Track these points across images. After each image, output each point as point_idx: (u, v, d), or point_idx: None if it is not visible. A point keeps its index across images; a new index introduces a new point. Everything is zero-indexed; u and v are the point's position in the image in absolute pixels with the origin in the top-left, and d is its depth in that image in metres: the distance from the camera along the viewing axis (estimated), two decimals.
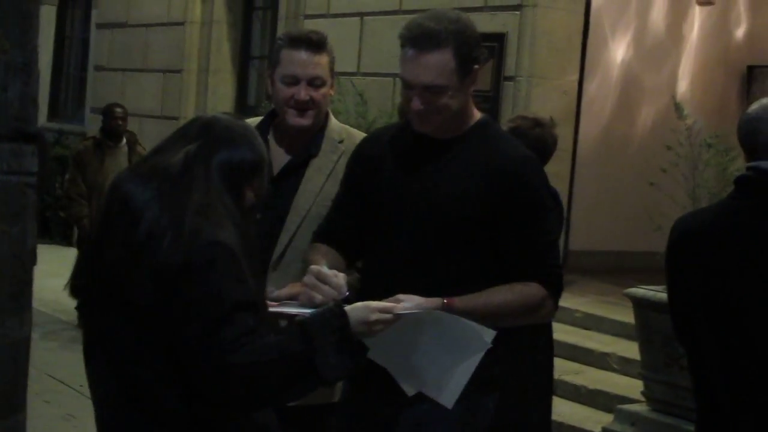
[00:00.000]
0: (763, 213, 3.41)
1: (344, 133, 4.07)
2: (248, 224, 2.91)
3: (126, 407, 2.81)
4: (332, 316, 2.85)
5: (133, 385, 2.78)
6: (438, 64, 3.40)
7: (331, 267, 3.42)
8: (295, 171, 3.95)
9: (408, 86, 3.47)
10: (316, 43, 3.96)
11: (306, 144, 3.99)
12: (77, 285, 2.90)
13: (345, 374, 2.89)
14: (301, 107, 3.92)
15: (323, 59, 3.97)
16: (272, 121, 4.01)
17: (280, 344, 2.75)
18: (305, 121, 3.94)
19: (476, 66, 3.50)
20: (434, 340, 3.20)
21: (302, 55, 3.93)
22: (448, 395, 3.29)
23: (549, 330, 5.74)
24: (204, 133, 2.90)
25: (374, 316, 2.96)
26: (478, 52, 3.52)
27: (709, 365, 3.53)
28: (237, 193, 2.89)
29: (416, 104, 3.44)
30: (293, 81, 3.92)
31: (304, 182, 3.93)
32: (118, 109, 10.50)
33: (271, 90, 4.05)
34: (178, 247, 2.69)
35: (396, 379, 3.32)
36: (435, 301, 3.30)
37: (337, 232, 3.70)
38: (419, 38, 3.41)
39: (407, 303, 3.23)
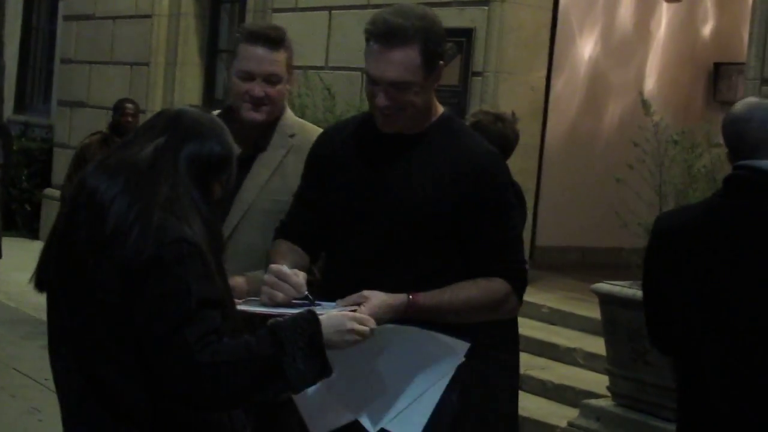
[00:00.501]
0: (759, 212, 3.42)
1: (297, 128, 4.07)
2: (215, 219, 2.90)
3: (90, 402, 2.78)
4: (304, 323, 2.83)
5: (98, 380, 2.76)
6: (404, 60, 3.38)
7: (293, 263, 3.43)
8: (243, 165, 3.89)
9: (373, 82, 3.44)
10: (273, 40, 3.96)
11: (256, 138, 3.99)
12: (42, 279, 2.87)
13: (313, 382, 2.87)
14: (256, 102, 3.92)
15: (280, 56, 3.96)
16: (228, 115, 3.98)
17: (249, 346, 2.73)
18: (259, 116, 3.94)
19: (441, 62, 3.48)
20: (404, 358, 3.19)
21: (259, 51, 3.93)
22: (412, 426, 3.27)
23: (514, 326, 5.75)
24: (172, 126, 2.87)
25: (349, 325, 2.97)
26: (444, 48, 3.50)
27: (692, 361, 3.54)
28: (205, 187, 2.86)
29: (381, 100, 3.42)
30: (249, 77, 3.92)
31: (249, 177, 3.93)
32: (129, 105, 9.95)
33: (229, 83, 4.06)
34: (144, 242, 2.66)
35: (356, 415, 3.29)
36: (400, 297, 3.30)
37: (299, 228, 3.68)
38: (385, 34, 3.39)
39: (373, 300, 3.24)
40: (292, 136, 4.01)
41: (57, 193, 14.59)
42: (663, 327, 3.65)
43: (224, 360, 2.67)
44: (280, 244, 3.66)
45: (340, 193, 3.58)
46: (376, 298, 3.26)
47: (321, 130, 4.05)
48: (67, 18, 15.47)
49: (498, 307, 3.51)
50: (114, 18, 14.38)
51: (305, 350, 2.79)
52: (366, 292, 3.27)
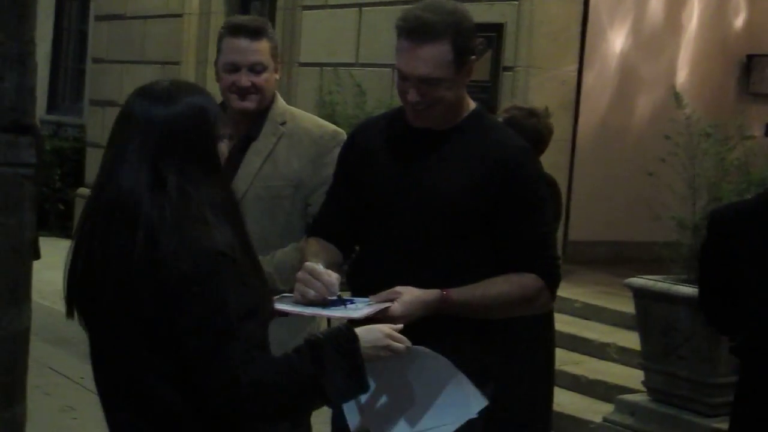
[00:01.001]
0: None
1: (288, 116, 4.17)
2: (237, 212, 2.82)
3: (133, 412, 2.75)
4: (344, 341, 2.80)
5: (141, 390, 2.72)
6: (435, 56, 3.37)
7: (327, 261, 3.44)
8: (237, 156, 4.02)
9: (404, 78, 3.44)
10: (254, 30, 4.09)
11: (248, 128, 4.09)
12: (71, 307, 2.84)
13: (351, 397, 2.87)
14: (243, 92, 4.04)
15: (263, 45, 4.08)
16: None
17: (290, 363, 2.70)
18: (248, 105, 4.05)
19: (472, 57, 3.48)
20: (427, 385, 3.16)
21: (241, 42, 4.06)
22: None
23: (551, 321, 5.74)
24: (142, 128, 2.84)
25: (385, 342, 2.93)
26: (475, 44, 3.49)
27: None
28: (211, 156, 2.80)
29: (412, 96, 3.42)
30: (234, 68, 4.06)
31: (243, 165, 4.01)
32: None
33: (217, 79, 4.17)
34: (178, 257, 2.61)
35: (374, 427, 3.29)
36: (433, 293, 3.30)
37: (331, 225, 3.69)
38: (416, 30, 3.38)
39: (406, 296, 3.23)
40: (282, 123, 4.12)
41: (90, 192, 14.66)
42: (720, 309, 3.78)
43: (266, 379, 2.63)
44: (312, 243, 3.66)
45: (371, 188, 3.58)
46: (409, 293, 3.25)
47: (314, 117, 4.23)
48: (98, 18, 15.53)
49: (530, 302, 3.50)
50: (145, 17, 14.42)
51: (345, 369, 2.76)
52: (399, 288, 3.26)
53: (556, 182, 6.01)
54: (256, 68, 4.05)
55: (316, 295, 3.21)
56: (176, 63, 13.72)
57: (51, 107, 16.88)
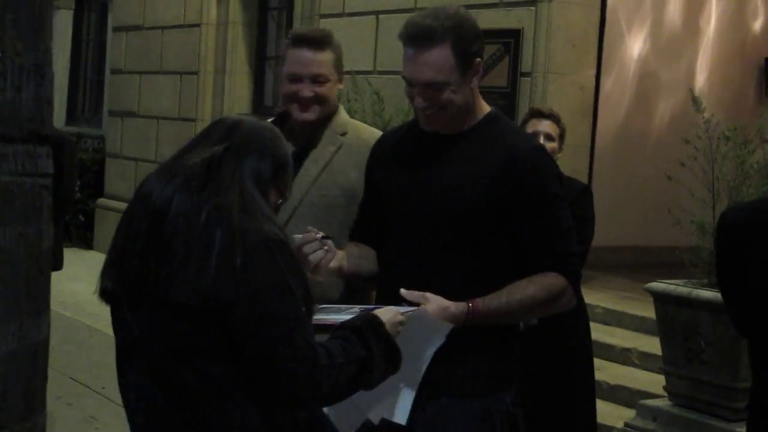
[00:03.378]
0: None
1: (349, 127, 4.18)
2: (281, 225, 2.89)
3: (167, 412, 2.75)
4: (378, 325, 2.91)
5: (178, 389, 2.73)
6: (436, 61, 3.41)
7: (358, 259, 3.62)
8: (295, 163, 4.01)
9: (410, 84, 3.48)
10: (318, 41, 4.09)
11: (308, 137, 4.09)
12: (105, 289, 2.82)
13: (384, 379, 2.93)
14: (305, 103, 4.04)
15: (326, 56, 4.09)
16: (283, 120, 4.06)
17: (345, 348, 2.78)
18: (310, 116, 4.05)
19: (477, 60, 3.50)
20: (413, 341, 3.17)
21: (305, 53, 4.07)
22: (401, 412, 3.27)
23: (587, 326, 5.71)
24: (230, 135, 2.87)
25: (399, 318, 3.05)
26: (478, 46, 3.51)
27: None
28: (264, 195, 2.86)
29: (419, 102, 3.47)
30: (297, 78, 4.06)
31: (300, 173, 4.00)
32: None
33: (280, 88, 4.19)
34: (232, 250, 2.64)
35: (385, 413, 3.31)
36: (461, 306, 3.32)
37: (364, 230, 3.78)
38: (416, 36, 3.43)
39: (432, 305, 3.25)
40: (343, 134, 4.13)
41: (110, 203, 14.71)
42: (746, 314, 3.69)
43: (339, 362, 2.72)
44: (350, 245, 3.77)
45: (387, 195, 3.63)
46: (437, 303, 3.28)
47: (375, 130, 4.23)
48: (116, 29, 15.59)
49: (555, 301, 3.50)
50: (162, 28, 14.46)
51: (386, 351, 2.88)
52: (428, 295, 3.30)
53: (589, 188, 6.00)
54: (318, 79, 4.06)
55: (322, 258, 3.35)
56: (194, 73, 13.75)
57: (70, 118, 16.94)
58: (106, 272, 2.82)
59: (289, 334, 2.64)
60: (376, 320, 2.93)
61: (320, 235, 3.44)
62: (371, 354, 2.82)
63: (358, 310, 3.19)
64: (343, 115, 4.21)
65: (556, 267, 3.45)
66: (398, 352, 2.93)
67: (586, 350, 5.71)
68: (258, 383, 2.70)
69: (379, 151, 3.78)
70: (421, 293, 3.29)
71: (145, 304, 2.73)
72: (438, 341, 3.25)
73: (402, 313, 3.11)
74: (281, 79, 4.16)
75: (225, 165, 2.79)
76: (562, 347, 5.33)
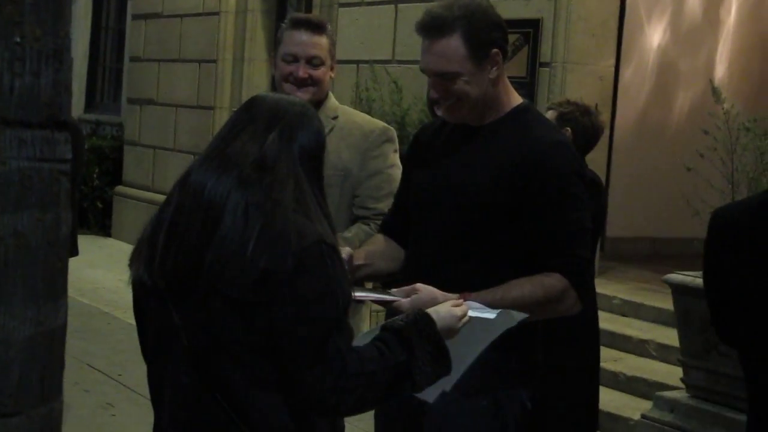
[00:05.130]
0: None
1: (340, 111, 4.32)
2: (329, 212, 2.86)
3: (208, 406, 2.72)
4: (425, 325, 2.82)
5: (221, 384, 2.70)
6: (446, 51, 3.40)
7: (383, 254, 3.65)
8: None
9: (426, 74, 3.49)
10: (315, 25, 4.24)
11: None
12: (140, 279, 2.78)
13: (435, 381, 2.85)
14: (300, 83, 4.15)
15: (322, 40, 4.22)
16: None
17: (382, 352, 2.71)
18: (304, 96, 4.08)
19: (494, 50, 3.45)
20: (472, 336, 3.14)
21: (302, 35, 4.20)
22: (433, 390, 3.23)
23: (594, 317, 5.71)
24: (278, 118, 2.79)
25: (456, 312, 2.97)
26: (494, 35, 3.46)
27: (759, 354, 3.50)
28: (317, 175, 2.83)
29: (433, 93, 3.49)
30: (293, 59, 4.19)
31: None
32: None
33: (274, 69, 4.30)
34: (285, 247, 2.61)
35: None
36: (451, 297, 3.25)
37: (392, 223, 3.80)
38: (428, 26, 3.44)
39: (422, 294, 3.22)
40: (334, 118, 4.25)
41: (128, 190, 14.74)
42: (728, 320, 3.60)
43: (367, 369, 2.66)
44: (377, 237, 3.82)
45: (414, 186, 3.64)
46: (427, 293, 3.24)
47: (364, 114, 4.41)
48: (135, 17, 15.61)
49: (555, 303, 3.39)
50: (181, 16, 14.48)
51: (432, 353, 2.79)
52: (418, 285, 3.27)
53: (600, 182, 5.98)
54: (313, 61, 4.18)
55: None
56: (212, 61, 13.77)
57: (89, 106, 16.98)
58: (143, 264, 2.77)
59: (322, 340, 2.61)
60: (425, 319, 2.84)
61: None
62: (413, 357, 2.74)
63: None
64: (333, 100, 4.33)
65: (560, 268, 3.35)
66: (446, 355, 2.82)
67: (591, 337, 5.71)
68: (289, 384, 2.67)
69: (415, 143, 3.78)
70: (411, 285, 3.26)
71: (193, 297, 2.69)
72: (496, 334, 3.17)
73: (457, 305, 3.02)
74: (276, 61, 4.26)
75: (280, 156, 2.74)
76: (569, 336, 5.30)
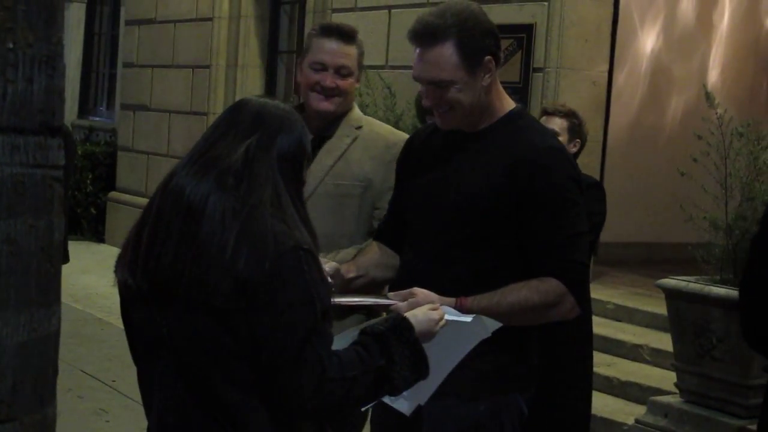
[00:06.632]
0: None
1: (364, 122, 4.21)
2: (308, 216, 2.84)
3: (195, 411, 2.72)
4: (404, 329, 2.84)
5: (205, 390, 2.70)
6: (439, 59, 3.38)
7: (377, 263, 3.64)
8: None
9: (418, 83, 3.47)
10: (346, 34, 4.10)
11: (323, 128, 4.10)
12: (125, 282, 2.78)
13: (412, 385, 2.86)
14: (327, 93, 4.04)
15: (352, 50, 4.09)
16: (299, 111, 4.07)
17: (361, 357, 2.72)
18: (330, 106, 4.06)
19: (487, 57, 3.43)
20: (446, 341, 3.14)
21: (332, 44, 4.07)
22: (408, 404, 3.21)
23: (588, 322, 5.70)
24: (259, 122, 2.78)
25: (434, 315, 2.98)
26: (487, 43, 3.43)
27: None
28: (296, 180, 2.81)
29: (426, 101, 3.45)
30: (321, 67, 4.06)
31: (315, 163, 3.98)
32: None
33: (299, 77, 4.16)
34: (263, 252, 2.61)
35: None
36: (448, 301, 3.26)
37: (388, 230, 3.77)
38: (419, 34, 3.41)
39: (420, 298, 3.22)
40: (359, 128, 4.14)
41: (122, 196, 14.73)
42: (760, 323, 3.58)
43: (347, 374, 2.66)
44: (372, 246, 3.78)
45: (408, 192, 3.63)
46: (424, 297, 3.23)
47: (389, 126, 4.30)
48: (129, 23, 15.60)
49: (551, 309, 3.38)
50: (175, 22, 14.48)
51: (411, 358, 2.80)
52: (416, 289, 3.26)
53: (601, 185, 5.98)
54: (342, 71, 4.07)
55: None
56: (206, 67, 13.76)
57: (82, 112, 16.97)
58: (127, 267, 2.77)
59: (301, 346, 2.60)
60: (404, 324, 2.85)
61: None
62: (391, 362, 2.75)
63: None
64: (357, 111, 4.23)
65: (558, 273, 3.34)
66: (424, 359, 2.84)
67: (585, 341, 5.70)
68: (270, 390, 2.68)
69: (408, 148, 3.77)
70: (409, 289, 3.26)
71: (176, 302, 2.69)
72: (472, 344, 3.18)
73: (434, 309, 3.03)
74: (301, 68, 4.14)
75: (258, 160, 2.73)
76: (563, 339, 5.29)
